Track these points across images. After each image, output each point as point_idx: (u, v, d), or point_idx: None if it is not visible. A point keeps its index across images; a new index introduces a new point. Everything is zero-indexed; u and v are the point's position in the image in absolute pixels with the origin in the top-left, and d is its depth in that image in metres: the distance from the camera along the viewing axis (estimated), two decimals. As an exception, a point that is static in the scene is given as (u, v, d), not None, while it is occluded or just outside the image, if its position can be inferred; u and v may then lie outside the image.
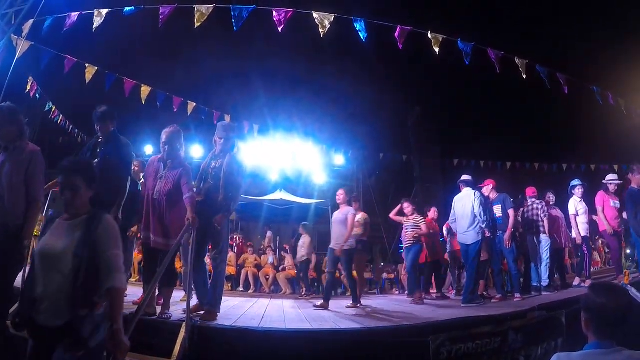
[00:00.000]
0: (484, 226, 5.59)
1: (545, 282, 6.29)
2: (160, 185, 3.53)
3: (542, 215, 6.41)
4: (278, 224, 13.99)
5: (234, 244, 10.17)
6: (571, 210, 6.55)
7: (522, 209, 6.65)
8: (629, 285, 4.73)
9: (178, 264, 5.09)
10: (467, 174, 6.26)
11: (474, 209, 5.58)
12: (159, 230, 3.49)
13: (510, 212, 5.84)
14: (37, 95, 10.35)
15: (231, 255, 9.40)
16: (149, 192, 3.58)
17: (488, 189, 6.16)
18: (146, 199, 3.60)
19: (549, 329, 4.09)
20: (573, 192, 6.64)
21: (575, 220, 6.45)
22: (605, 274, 8.18)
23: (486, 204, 5.88)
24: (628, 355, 1.52)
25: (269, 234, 11.60)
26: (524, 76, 6.69)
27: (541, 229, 6.38)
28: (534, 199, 6.62)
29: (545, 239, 6.37)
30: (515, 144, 15.66)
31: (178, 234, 3.37)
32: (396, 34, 6.43)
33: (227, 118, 10.77)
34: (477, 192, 5.85)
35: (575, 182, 6.73)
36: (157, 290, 3.89)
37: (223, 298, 4.53)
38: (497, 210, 5.96)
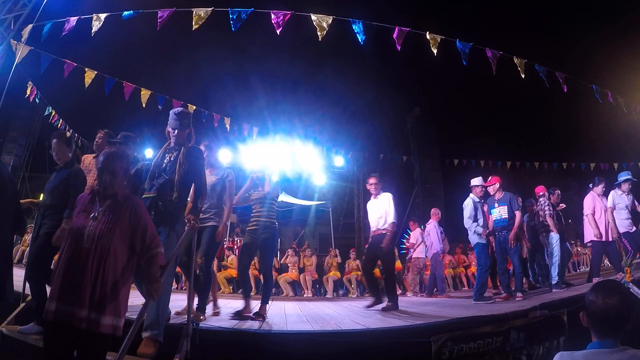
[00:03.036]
0: (478, 230, 5.83)
1: (554, 279, 6.25)
2: (93, 228, 2.26)
3: (548, 213, 6.46)
4: (278, 226, 13.95)
5: (235, 247, 10.17)
6: (609, 203, 6.16)
7: (534, 208, 6.84)
8: (630, 283, 4.73)
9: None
10: (469, 174, 6.38)
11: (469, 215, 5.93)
12: (85, 298, 2.16)
13: (517, 213, 5.80)
14: (36, 99, 10.40)
15: (232, 258, 9.42)
16: (73, 238, 2.28)
17: (494, 187, 6.05)
18: (66, 248, 2.29)
19: (551, 328, 4.08)
20: (621, 186, 6.24)
21: (612, 215, 6.08)
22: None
23: (476, 206, 6.03)
24: (632, 355, 1.50)
25: None
26: (523, 76, 6.72)
27: (549, 227, 6.46)
28: (542, 198, 6.71)
29: (554, 237, 6.36)
30: (515, 143, 15.69)
31: (112, 309, 2.22)
32: (394, 35, 6.45)
33: (227, 120, 10.82)
34: (468, 199, 6.06)
35: (627, 175, 6.28)
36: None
37: (225, 300, 4.53)
38: (503, 211, 5.87)
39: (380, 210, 5.48)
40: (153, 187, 3.25)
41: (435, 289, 8.04)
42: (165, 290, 3.00)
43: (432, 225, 8.02)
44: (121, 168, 2.44)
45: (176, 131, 3.38)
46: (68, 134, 3.98)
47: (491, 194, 6.09)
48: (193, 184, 3.36)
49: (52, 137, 3.86)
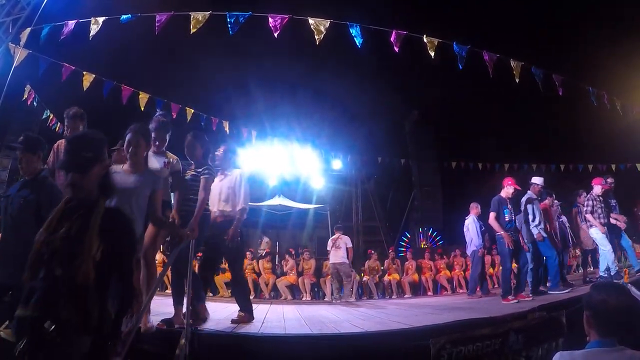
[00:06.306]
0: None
1: (610, 270, 6.09)
2: None
3: (585, 210, 6.40)
4: (277, 229, 13.98)
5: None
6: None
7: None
8: (628, 284, 4.74)
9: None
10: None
11: None
12: None
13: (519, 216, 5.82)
14: (34, 103, 10.37)
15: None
16: None
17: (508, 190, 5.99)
18: None
19: (550, 330, 4.08)
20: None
21: None
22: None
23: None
24: (630, 355, 1.51)
25: (265, 239, 11.59)
26: (517, 80, 6.76)
27: (584, 224, 6.56)
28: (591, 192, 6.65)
29: (596, 231, 6.25)
30: (514, 145, 15.73)
31: None
32: (392, 39, 6.47)
33: (226, 124, 10.80)
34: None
35: None
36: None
37: (223, 304, 4.50)
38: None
39: (228, 189, 4.27)
40: (30, 298, 1.65)
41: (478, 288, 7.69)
42: None
43: (470, 220, 7.56)
44: None
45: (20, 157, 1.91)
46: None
47: (504, 196, 6.00)
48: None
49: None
